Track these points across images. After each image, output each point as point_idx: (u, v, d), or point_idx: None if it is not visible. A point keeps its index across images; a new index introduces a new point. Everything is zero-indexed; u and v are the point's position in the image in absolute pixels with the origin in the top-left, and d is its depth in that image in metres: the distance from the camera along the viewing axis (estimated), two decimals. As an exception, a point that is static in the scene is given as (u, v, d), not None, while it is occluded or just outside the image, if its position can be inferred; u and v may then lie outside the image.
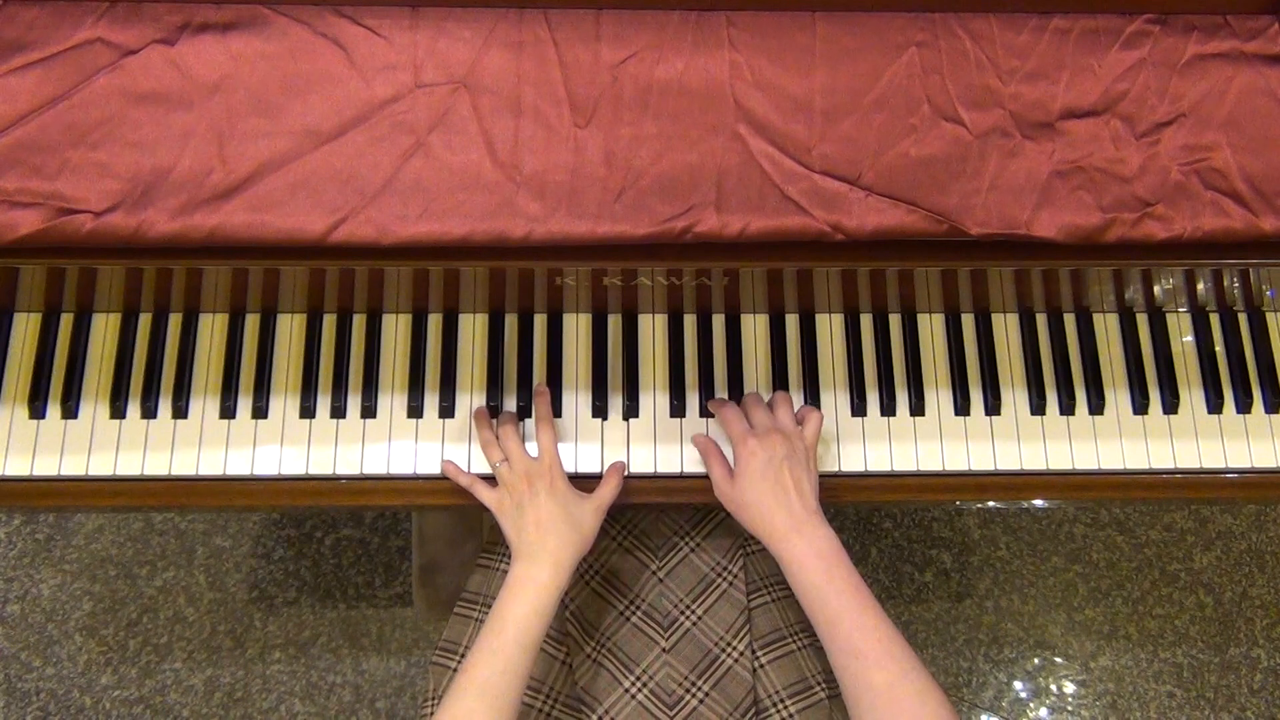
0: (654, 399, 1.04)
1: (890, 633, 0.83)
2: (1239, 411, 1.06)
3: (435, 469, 1.01)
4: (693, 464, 1.02)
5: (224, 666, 1.71)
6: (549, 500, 0.93)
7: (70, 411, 1.01)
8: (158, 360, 1.03)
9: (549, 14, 0.90)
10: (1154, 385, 1.06)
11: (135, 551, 1.78)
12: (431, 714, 1.05)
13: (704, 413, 1.04)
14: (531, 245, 0.86)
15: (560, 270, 0.96)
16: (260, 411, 1.02)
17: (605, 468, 1.01)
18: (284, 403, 1.02)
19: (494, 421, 1.00)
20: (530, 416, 1.03)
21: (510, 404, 1.03)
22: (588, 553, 1.07)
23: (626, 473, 1.01)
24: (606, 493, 0.97)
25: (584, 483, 1.02)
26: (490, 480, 0.98)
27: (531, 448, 0.99)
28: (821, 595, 0.86)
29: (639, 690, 1.01)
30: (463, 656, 1.05)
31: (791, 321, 1.07)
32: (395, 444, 1.02)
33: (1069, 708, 1.74)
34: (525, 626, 0.87)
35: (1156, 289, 1.04)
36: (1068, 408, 1.05)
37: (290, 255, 0.87)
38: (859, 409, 1.04)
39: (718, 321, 1.07)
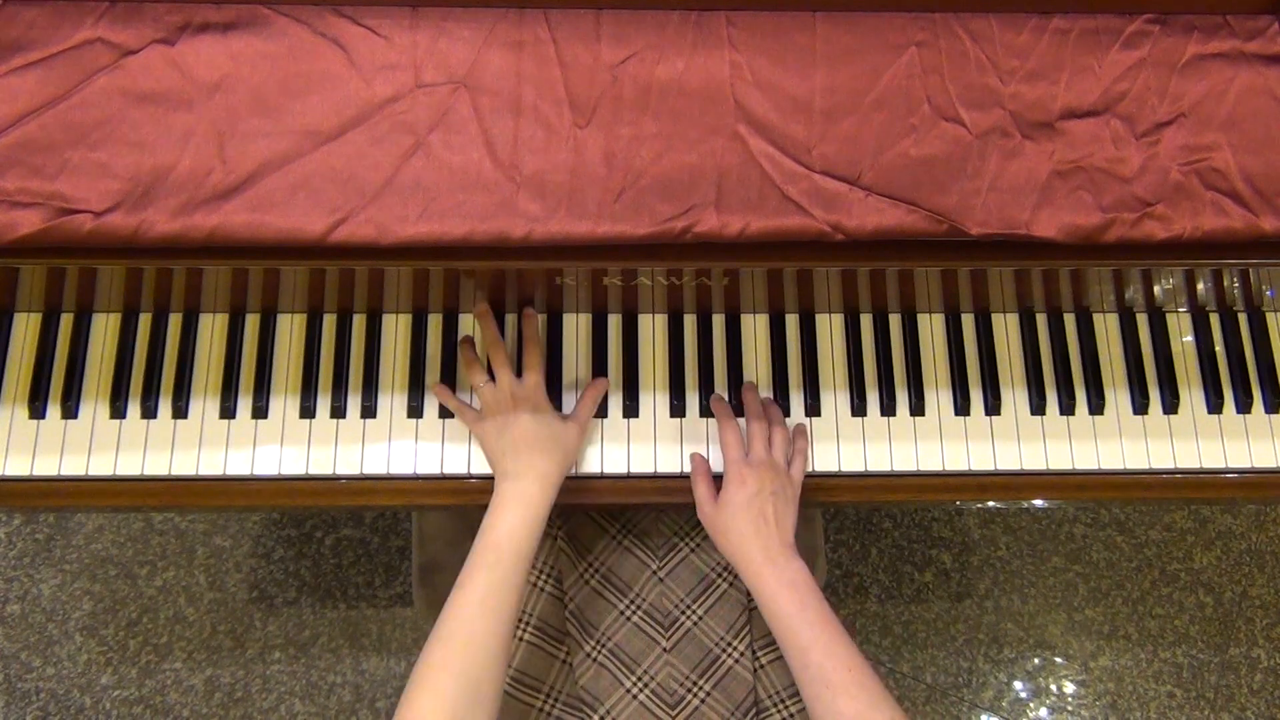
0: (654, 399, 1.04)
1: (859, 663, 0.85)
2: (1239, 411, 1.06)
3: (435, 469, 1.01)
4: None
5: (224, 666, 1.71)
6: (533, 421, 0.94)
7: (70, 411, 1.01)
8: (158, 360, 1.03)
9: (549, 14, 0.90)
10: (1154, 385, 1.06)
11: (135, 551, 1.78)
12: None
13: (704, 412, 1.04)
14: (531, 245, 0.86)
15: (560, 270, 0.96)
16: (260, 411, 1.02)
17: (604, 468, 1.01)
18: (284, 403, 1.03)
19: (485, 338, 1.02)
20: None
21: (510, 404, 1.03)
22: (586, 554, 1.07)
23: (626, 472, 1.01)
24: (585, 411, 1.00)
25: (584, 482, 1.02)
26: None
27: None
28: (793, 625, 0.88)
29: (640, 690, 1.01)
30: (463, 656, 1.05)
31: (791, 321, 1.07)
32: (395, 444, 1.02)
33: (1069, 708, 1.74)
34: (517, 539, 0.88)
35: (1156, 289, 1.04)
36: (1068, 408, 1.05)
37: (290, 255, 0.87)
38: (859, 409, 1.04)
39: (718, 321, 1.07)
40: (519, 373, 1.00)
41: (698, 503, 0.98)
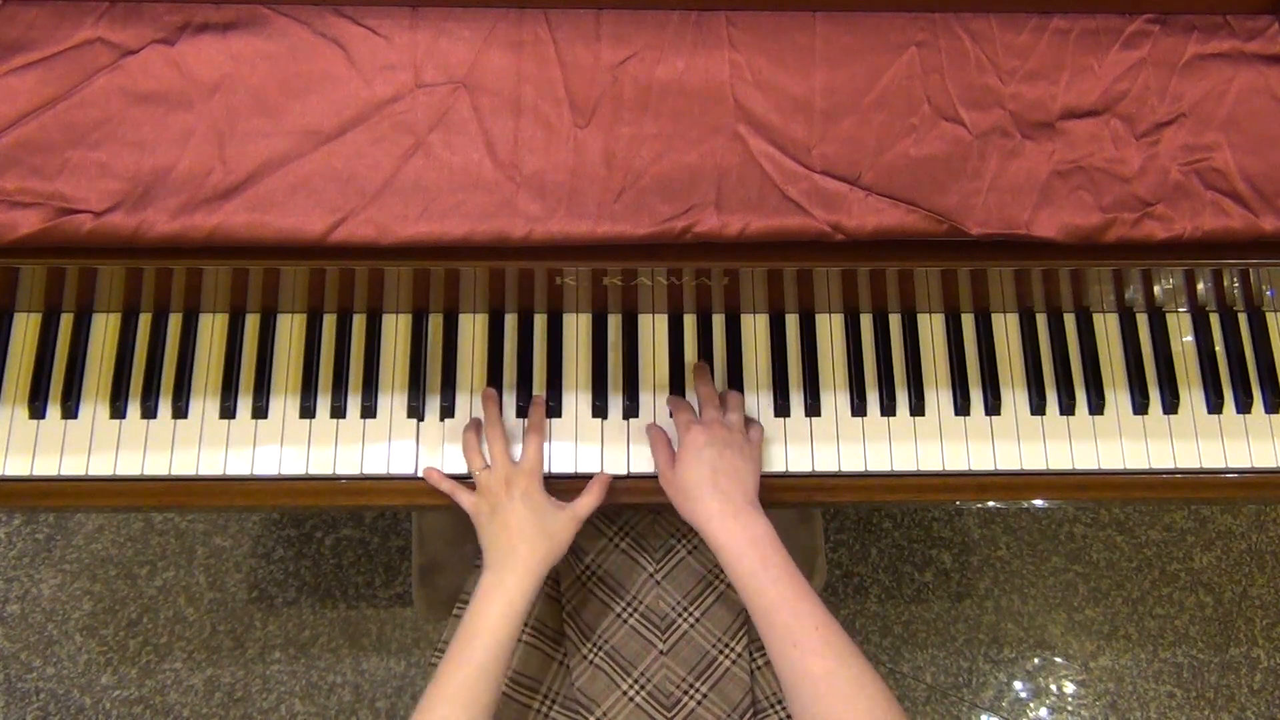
0: (654, 399, 1.04)
1: (827, 620, 0.84)
2: (1239, 411, 1.06)
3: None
4: (693, 464, 1.02)
5: (224, 666, 1.71)
6: (523, 506, 0.93)
7: (70, 411, 1.01)
8: (158, 360, 1.02)
9: (549, 14, 0.90)
10: (1154, 385, 1.06)
11: (135, 551, 1.78)
12: None
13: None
14: (531, 245, 0.86)
15: (560, 270, 0.96)
16: (260, 411, 1.02)
17: (604, 468, 1.01)
18: (284, 403, 1.02)
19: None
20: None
21: (510, 403, 1.03)
22: (584, 555, 1.07)
23: (626, 473, 1.01)
24: (584, 505, 0.96)
25: (583, 482, 1.02)
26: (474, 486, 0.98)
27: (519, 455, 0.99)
28: (758, 583, 0.86)
29: (637, 692, 1.01)
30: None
31: (791, 321, 1.07)
32: (395, 444, 1.02)
33: (1069, 708, 1.74)
34: (495, 633, 0.87)
35: (1156, 289, 1.04)
36: (1068, 408, 1.05)
37: (290, 255, 0.87)
38: (859, 409, 1.04)
39: (718, 321, 1.07)
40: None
41: (658, 472, 0.96)
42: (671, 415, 1.00)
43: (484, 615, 0.88)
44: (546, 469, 1.01)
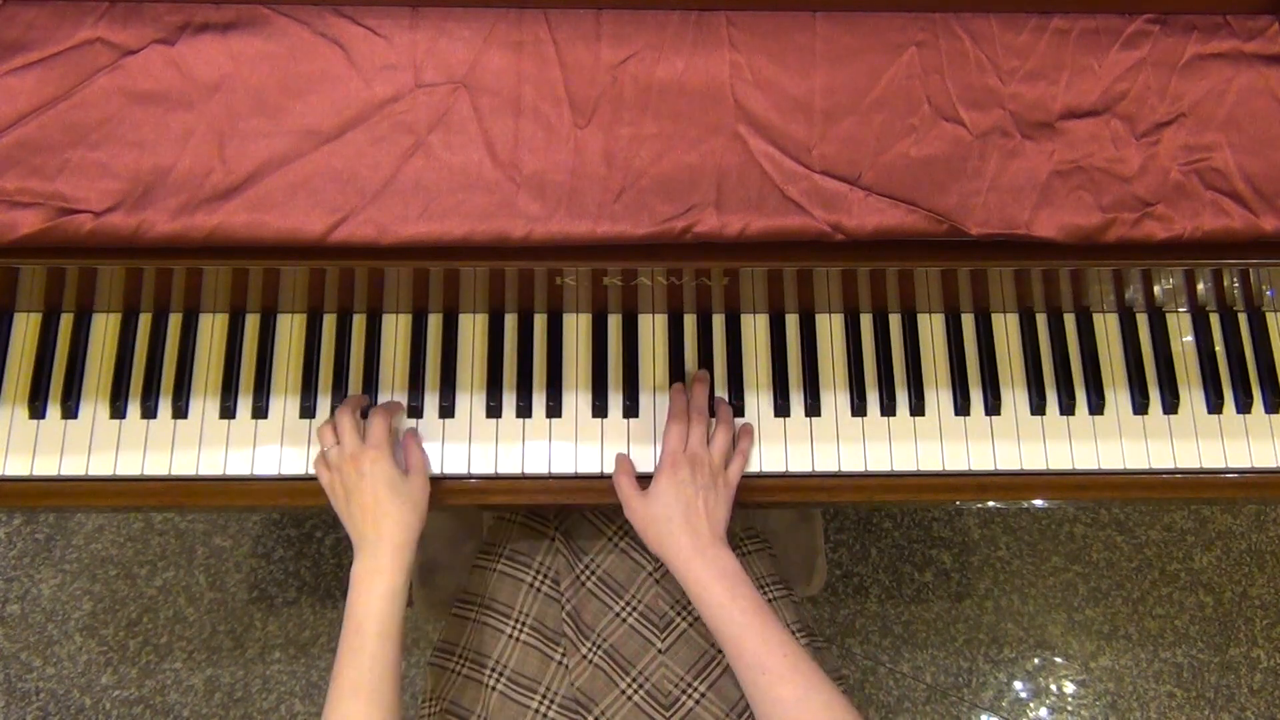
0: (654, 399, 1.04)
1: (795, 649, 0.85)
2: (1239, 411, 1.06)
3: (436, 469, 1.01)
4: (693, 464, 1.02)
5: (224, 666, 1.71)
6: (375, 482, 0.92)
7: (70, 411, 1.01)
8: (158, 360, 1.03)
9: (549, 14, 0.90)
10: (1154, 385, 1.06)
11: (135, 551, 1.78)
12: (429, 715, 1.05)
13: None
14: (531, 245, 0.86)
15: (560, 270, 0.96)
16: (260, 411, 1.02)
17: (604, 468, 1.01)
18: (284, 403, 1.03)
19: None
20: (529, 417, 1.03)
21: (510, 403, 1.03)
22: (583, 555, 1.07)
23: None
24: (415, 458, 0.97)
25: (583, 483, 1.02)
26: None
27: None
28: (726, 613, 0.87)
29: (635, 691, 1.01)
30: (461, 657, 1.05)
31: (791, 321, 1.07)
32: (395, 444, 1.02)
33: (1069, 708, 1.74)
34: (381, 619, 0.87)
35: (1156, 289, 1.04)
36: (1068, 408, 1.05)
37: (290, 255, 0.87)
38: (859, 409, 1.04)
39: (718, 321, 1.07)
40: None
41: (622, 499, 0.97)
42: (667, 418, 0.99)
43: (366, 603, 0.88)
44: (548, 469, 1.01)
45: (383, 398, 1.03)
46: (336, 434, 0.95)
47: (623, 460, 1.00)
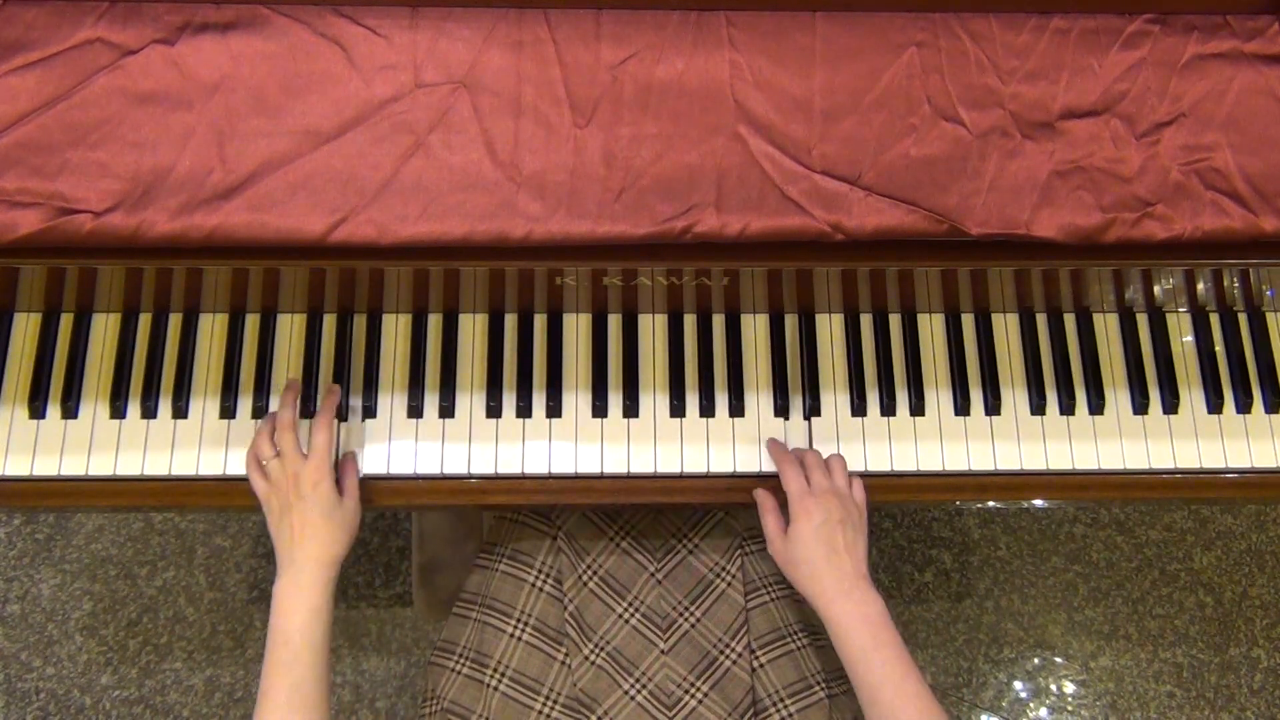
0: (654, 399, 1.04)
1: (931, 703, 0.85)
2: (1239, 411, 1.06)
3: (435, 469, 1.01)
4: (692, 464, 1.02)
5: (224, 666, 1.71)
6: (313, 507, 0.91)
7: (70, 411, 1.01)
8: (158, 360, 1.02)
9: (549, 14, 0.90)
10: (1154, 385, 1.06)
11: (135, 551, 1.78)
12: (429, 715, 1.05)
13: (704, 413, 1.04)
14: (531, 245, 0.86)
15: (560, 270, 0.96)
16: (261, 411, 1.02)
17: (604, 468, 1.01)
18: (284, 403, 1.02)
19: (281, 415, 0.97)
20: (529, 416, 1.03)
21: (510, 403, 1.03)
22: (585, 555, 1.07)
23: (627, 472, 1.01)
24: (350, 482, 0.96)
25: (584, 483, 1.02)
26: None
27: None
28: (867, 661, 0.87)
29: (638, 692, 1.01)
30: (462, 657, 1.05)
31: (791, 321, 1.07)
32: (395, 444, 1.02)
33: (1069, 708, 1.74)
34: (306, 634, 0.87)
35: (1156, 289, 1.04)
36: (1068, 408, 1.05)
37: (290, 255, 0.87)
38: (859, 409, 1.04)
39: (718, 321, 1.07)
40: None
41: (768, 538, 0.96)
42: (778, 471, 0.98)
43: (290, 619, 0.88)
44: (548, 469, 1.01)
45: (383, 398, 1.03)
46: (275, 445, 0.94)
47: (765, 498, 0.99)
